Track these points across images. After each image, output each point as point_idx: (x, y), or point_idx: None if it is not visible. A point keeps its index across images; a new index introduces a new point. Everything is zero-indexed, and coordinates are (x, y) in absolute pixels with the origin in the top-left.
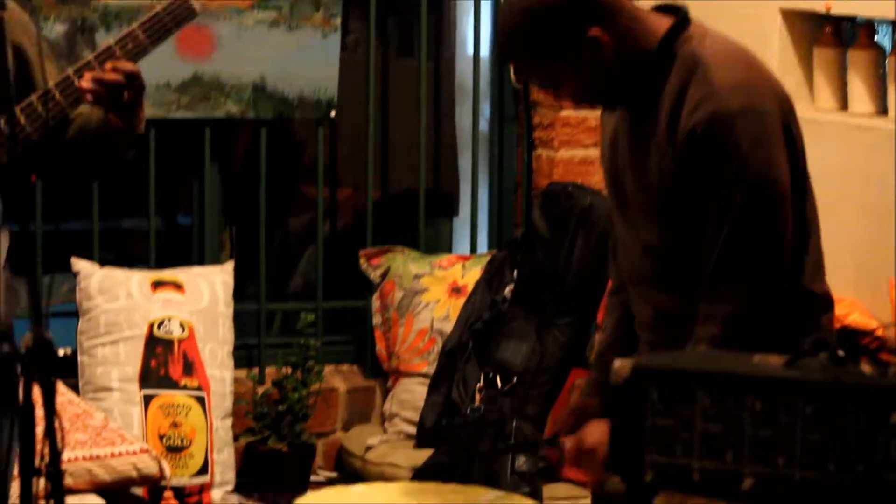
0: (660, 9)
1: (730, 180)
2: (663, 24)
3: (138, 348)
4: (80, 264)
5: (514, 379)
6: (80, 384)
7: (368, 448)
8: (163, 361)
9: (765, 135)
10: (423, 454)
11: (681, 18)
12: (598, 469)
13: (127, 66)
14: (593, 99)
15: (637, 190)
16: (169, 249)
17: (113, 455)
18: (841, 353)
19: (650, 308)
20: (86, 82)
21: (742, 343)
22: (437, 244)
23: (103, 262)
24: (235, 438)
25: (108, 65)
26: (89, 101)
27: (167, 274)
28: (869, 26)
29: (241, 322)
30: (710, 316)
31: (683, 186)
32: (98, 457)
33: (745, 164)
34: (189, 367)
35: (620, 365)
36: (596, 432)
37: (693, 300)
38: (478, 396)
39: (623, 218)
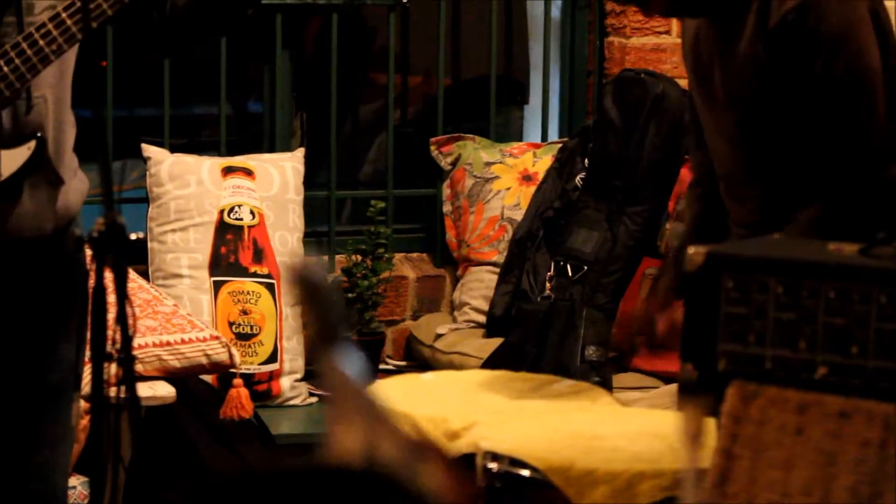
0: None
1: (822, 69)
2: None
3: (208, 235)
4: (150, 150)
5: (585, 267)
6: (150, 271)
7: (438, 337)
8: (233, 248)
9: (856, 19)
10: (493, 343)
11: None
12: None
13: None
14: (683, 7)
15: (724, 84)
16: (239, 136)
17: (183, 342)
18: None
19: (740, 205)
20: None
21: (837, 229)
22: (508, 132)
23: (174, 149)
24: (304, 326)
25: None
26: None
27: (238, 160)
28: None
29: (312, 209)
30: (808, 206)
31: (775, 75)
32: (168, 343)
33: (838, 52)
34: (259, 255)
35: (694, 252)
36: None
37: (780, 195)
38: (548, 285)
39: (711, 115)
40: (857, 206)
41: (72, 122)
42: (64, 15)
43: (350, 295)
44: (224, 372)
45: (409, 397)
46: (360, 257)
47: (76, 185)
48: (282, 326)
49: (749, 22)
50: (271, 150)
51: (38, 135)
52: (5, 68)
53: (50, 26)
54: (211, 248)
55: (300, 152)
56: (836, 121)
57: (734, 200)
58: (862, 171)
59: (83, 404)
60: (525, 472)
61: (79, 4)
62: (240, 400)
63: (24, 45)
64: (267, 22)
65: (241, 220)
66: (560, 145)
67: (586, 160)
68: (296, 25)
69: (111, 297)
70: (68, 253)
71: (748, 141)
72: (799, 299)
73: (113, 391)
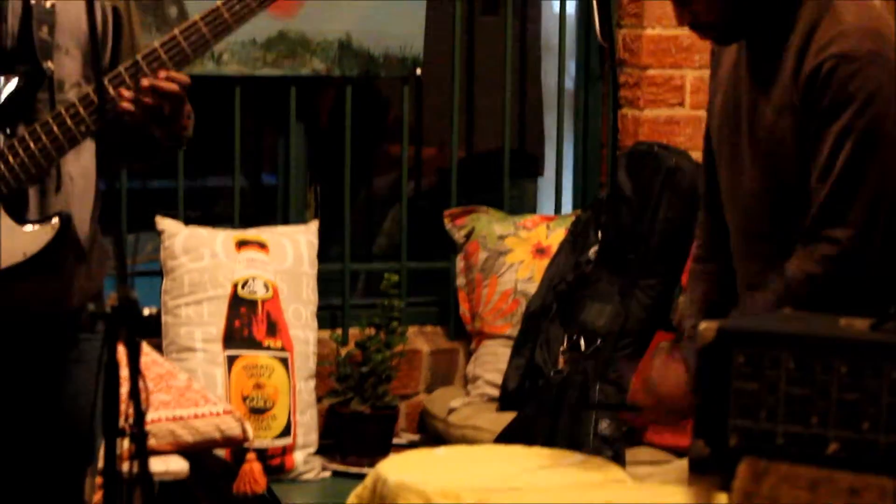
0: None
1: (845, 125)
2: None
3: (222, 308)
4: (164, 223)
5: (598, 341)
6: (164, 344)
7: (451, 410)
8: (246, 322)
9: (887, 83)
10: (506, 417)
11: None
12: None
13: (181, 77)
14: (719, 22)
15: (753, 133)
16: (253, 208)
17: (196, 416)
18: None
19: (758, 264)
20: (125, 102)
21: (835, 290)
22: (522, 204)
23: (188, 221)
24: (318, 400)
25: (162, 73)
26: (127, 118)
27: (251, 233)
28: None
29: (325, 282)
30: (809, 255)
31: (800, 127)
32: (181, 418)
33: (864, 112)
34: (273, 328)
35: (706, 328)
36: (671, 379)
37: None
38: (561, 359)
39: (732, 166)
40: (855, 267)
41: (96, 196)
42: (93, 96)
43: (364, 368)
44: (237, 446)
45: (422, 471)
46: (373, 330)
47: (100, 258)
48: (295, 400)
49: (788, 62)
50: (285, 222)
51: (64, 212)
52: (33, 146)
53: (79, 107)
54: (225, 322)
55: (314, 224)
56: (849, 183)
57: (752, 260)
58: (867, 236)
59: (97, 479)
60: None
61: (105, 85)
62: (253, 475)
63: (54, 125)
64: (281, 94)
65: (255, 293)
66: (573, 218)
67: (600, 233)
68: (310, 97)
69: (124, 372)
70: (83, 327)
71: (765, 194)
72: (811, 374)
73: (126, 466)
